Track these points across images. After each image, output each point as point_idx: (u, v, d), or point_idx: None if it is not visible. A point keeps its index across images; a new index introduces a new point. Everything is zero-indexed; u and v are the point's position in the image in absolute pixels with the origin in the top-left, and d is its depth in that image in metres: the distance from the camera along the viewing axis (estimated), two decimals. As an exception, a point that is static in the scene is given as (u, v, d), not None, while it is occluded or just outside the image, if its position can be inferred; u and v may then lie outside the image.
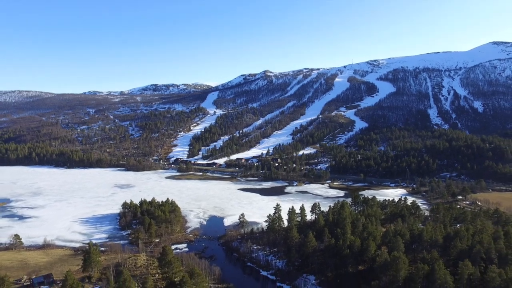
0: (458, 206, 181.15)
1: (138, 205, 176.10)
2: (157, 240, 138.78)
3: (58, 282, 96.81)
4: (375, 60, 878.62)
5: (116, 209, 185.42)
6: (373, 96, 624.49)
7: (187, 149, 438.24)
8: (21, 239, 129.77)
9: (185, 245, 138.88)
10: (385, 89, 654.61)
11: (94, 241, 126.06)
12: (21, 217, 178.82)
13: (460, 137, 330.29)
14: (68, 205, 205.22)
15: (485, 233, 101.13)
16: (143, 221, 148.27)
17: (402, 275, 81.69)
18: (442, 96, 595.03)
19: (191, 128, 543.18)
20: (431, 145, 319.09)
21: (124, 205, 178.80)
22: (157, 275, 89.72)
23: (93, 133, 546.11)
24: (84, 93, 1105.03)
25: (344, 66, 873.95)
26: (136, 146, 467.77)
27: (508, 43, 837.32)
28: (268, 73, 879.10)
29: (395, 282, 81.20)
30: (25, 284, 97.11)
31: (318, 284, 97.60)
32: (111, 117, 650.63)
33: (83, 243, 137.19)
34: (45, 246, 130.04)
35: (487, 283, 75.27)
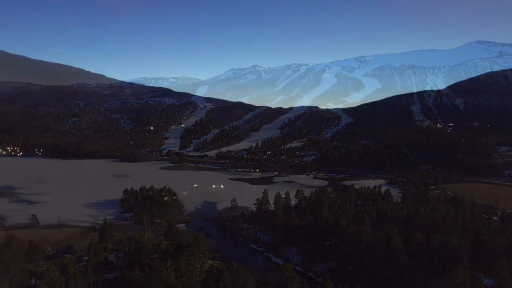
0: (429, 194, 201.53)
1: (139, 191, 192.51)
2: (159, 221, 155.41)
3: (78, 252, 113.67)
4: (362, 56, 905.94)
5: (118, 195, 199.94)
6: (359, 92, 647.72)
7: (179, 142, 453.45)
8: (37, 219, 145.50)
9: (183, 225, 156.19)
10: (371, 85, 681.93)
11: (102, 222, 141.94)
12: (30, 202, 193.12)
13: (438, 133, 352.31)
14: (71, 192, 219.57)
15: (438, 211, 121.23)
16: (145, 204, 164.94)
17: (364, 242, 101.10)
18: (426, 93, 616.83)
19: (182, 121, 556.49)
20: (411, 139, 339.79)
21: (126, 191, 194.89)
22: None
23: (85, 125, 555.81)
24: (73, 85, 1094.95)
25: (332, 62, 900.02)
26: (129, 138, 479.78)
27: (491, 42, 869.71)
28: (258, 68, 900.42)
29: (359, 247, 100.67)
30: (50, 253, 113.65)
31: (299, 254, 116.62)
32: (102, 109, 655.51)
33: (92, 223, 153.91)
34: (60, 225, 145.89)
35: (429, 246, 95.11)
